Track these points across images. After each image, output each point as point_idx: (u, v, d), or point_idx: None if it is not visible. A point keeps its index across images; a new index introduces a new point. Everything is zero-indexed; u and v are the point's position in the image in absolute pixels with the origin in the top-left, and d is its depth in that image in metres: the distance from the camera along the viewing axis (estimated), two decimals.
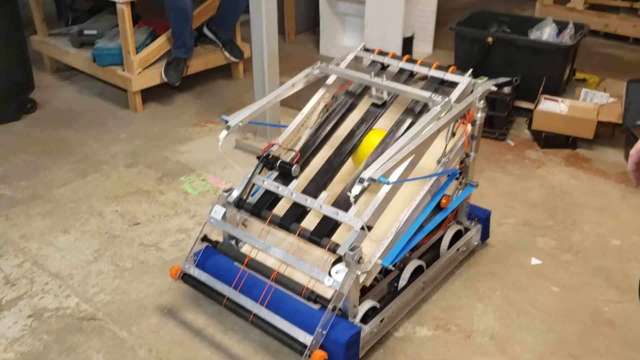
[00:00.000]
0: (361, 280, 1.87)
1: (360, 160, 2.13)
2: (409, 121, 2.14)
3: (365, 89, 2.33)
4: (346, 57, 2.42)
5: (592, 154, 3.24)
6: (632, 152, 1.36)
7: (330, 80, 2.36)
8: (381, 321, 1.97)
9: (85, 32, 3.94)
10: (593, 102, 3.39)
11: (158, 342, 2.05)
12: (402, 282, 2.10)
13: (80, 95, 3.95)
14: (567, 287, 2.32)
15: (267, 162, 2.12)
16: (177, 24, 3.60)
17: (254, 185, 2.14)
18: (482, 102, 2.14)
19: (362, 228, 1.83)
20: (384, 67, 2.37)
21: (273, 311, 1.88)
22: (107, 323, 2.13)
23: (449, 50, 3.90)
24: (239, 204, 2.10)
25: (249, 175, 2.13)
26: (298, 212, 2.03)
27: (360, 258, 1.81)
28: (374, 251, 1.91)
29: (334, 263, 1.85)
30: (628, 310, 2.20)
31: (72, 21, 4.37)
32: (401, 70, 2.33)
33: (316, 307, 1.87)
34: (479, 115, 2.16)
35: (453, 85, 2.18)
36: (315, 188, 2.07)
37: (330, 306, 1.81)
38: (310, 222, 2.00)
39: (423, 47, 4.55)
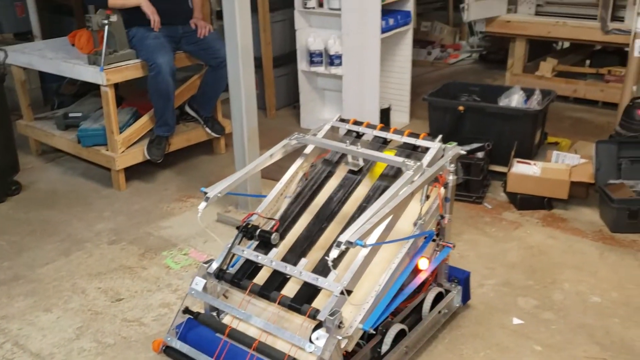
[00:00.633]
0: (343, 345, 1.87)
1: None
2: (384, 185, 2.21)
3: (342, 157, 2.40)
4: (323, 128, 2.51)
5: (568, 214, 3.31)
6: None
7: (308, 150, 2.43)
8: None
9: (71, 114, 4.04)
10: (565, 163, 3.49)
11: None
12: (385, 347, 2.10)
13: (64, 176, 4.01)
14: (550, 346, 2.33)
15: (247, 231, 2.15)
16: (160, 105, 3.70)
17: (234, 255, 2.16)
18: (452, 165, 2.22)
19: (342, 292, 1.84)
20: (359, 136, 2.46)
21: None
22: None
23: (424, 119, 4.03)
24: (219, 274, 2.11)
25: (229, 245, 2.15)
26: (278, 280, 2.05)
27: (341, 323, 1.82)
28: (355, 315, 1.93)
29: (315, 329, 1.86)
30: None
31: (58, 105, 4.49)
32: (375, 138, 2.42)
33: None
34: (451, 178, 2.23)
35: (425, 151, 2.26)
36: (295, 255, 2.10)
37: None
38: (291, 290, 2.02)
39: (400, 117, 4.70)
